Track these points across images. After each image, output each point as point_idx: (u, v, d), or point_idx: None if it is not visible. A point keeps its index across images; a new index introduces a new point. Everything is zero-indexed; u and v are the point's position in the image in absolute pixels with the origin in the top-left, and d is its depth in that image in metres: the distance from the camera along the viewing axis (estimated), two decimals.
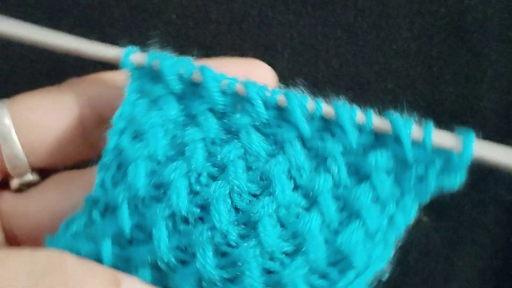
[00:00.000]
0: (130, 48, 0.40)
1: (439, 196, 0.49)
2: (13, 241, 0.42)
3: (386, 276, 0.36)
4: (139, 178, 0.37)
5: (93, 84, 0.43)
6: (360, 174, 0.37)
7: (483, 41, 0.53)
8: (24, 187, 0.43)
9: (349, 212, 0.36)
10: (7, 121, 0.41)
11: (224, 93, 0.39)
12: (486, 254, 0.54)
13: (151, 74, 0.40)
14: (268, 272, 0.36)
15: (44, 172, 0.44)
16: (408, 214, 0.36)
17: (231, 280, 0.36)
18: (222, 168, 0.38)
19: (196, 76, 0.39)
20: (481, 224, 0.53)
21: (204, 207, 0.37)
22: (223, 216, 0.36)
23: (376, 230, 0.36)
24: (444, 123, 0.52)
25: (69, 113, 0.42)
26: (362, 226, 0.36)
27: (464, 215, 0.53)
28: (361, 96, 0.52)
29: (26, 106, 0.41)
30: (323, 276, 0.36)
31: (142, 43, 0.52)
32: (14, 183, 0.43)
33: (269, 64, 0.42)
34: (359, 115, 0.37)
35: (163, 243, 0.36)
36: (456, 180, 0.36)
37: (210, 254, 0.36)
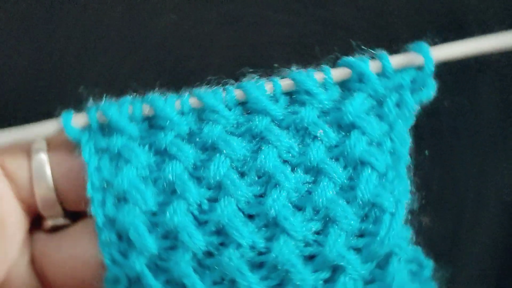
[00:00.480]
0: (65, 114, 0.38)
1: (439, 196, 0.49)
2: (46, 284, 0.41)
3: (416, 205, 0.37)
4: (145, 238, 0.36)
5: None
6: (345, 127, 0.37)
7: None
8: (56, 228, 0.42)
9: (353, 164, 0.36)
10: (44, 156, 0.39)
11: (182, 113, 0.37)
12: (486, 254, 0.54)
13: (101, 129, 0.38)
14: (310, 257, 0.36)
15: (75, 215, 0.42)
16: (405, 141, 0.37)
17: (281, 285, 0.35)
18: (218, 186, 0.37)
19: (147, 110, 0.37)
20: (481, 224, 0.53)
21: (220, 231, 0.36)
22: (242, 231, 0.35)
23: (385, 169, 0.36)
24: (444, 124, 0.52)
25: None
26: (372, 171, 0.36)
27: (464, 215, 0.53)
28: None
29: (62, 151, 0.39)
30: (362, 234, 0.36)
31: (142, 44, 0.52)
32: (48, 224, 0.41)
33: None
34: (317, 74, 0.37)
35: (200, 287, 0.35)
36: (429, 90, 0.37)
37: (248, 273, 0.35)
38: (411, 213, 0.37)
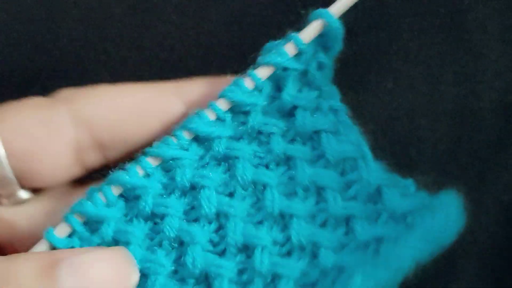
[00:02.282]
0: (47, 234, 0.38)
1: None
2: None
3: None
4: None
5: (91, 103, 0.41)
6: (287, 111, 0.40)
7: (483, 41, 0.53)
8: (15, 204, 0.42)
9: (310, 137, 0.40)
10: None
11: (148, 175, 0.39)
12: (486, 254, 0.54)
13: (86, 227, 0.39)
14: (323, 224, 0.39)
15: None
16: (334, 94, 0.41)
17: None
18: (217, 216, 0.39)
19: (116, 190, 0.39)
20: (481, 224, 0.53)
21: (243, 249, 0.38)
22: (262, 235, 0.38)
23: (334, 126, 0.40)
24: (444, 123, 0.52)
25: (63, 139, 0.40)
26: (327, 134, 0.40)
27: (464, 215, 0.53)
28: (361, 96, 0.52)
29: (17, 130, 0.39)
30: (349, 186, 0.39)
31: (143, 44, 0.52)
32: (3, 202, 0.41)
33: None
34: (247, 82, 0.40)
35: None
36: (339, 42, 0.40)
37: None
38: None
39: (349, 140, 0.40)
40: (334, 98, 0.41)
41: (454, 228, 0.37)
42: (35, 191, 0.42)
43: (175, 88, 0.41)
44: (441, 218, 0.36)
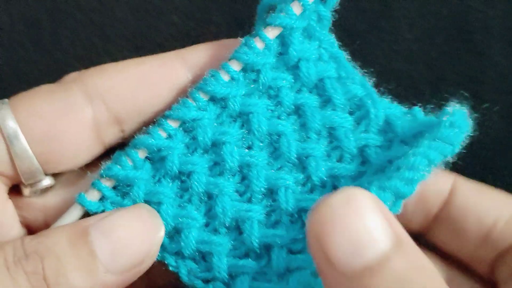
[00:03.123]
0: (79, 198, 0.40)
1: None
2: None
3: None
4: (220, 257, 0.40)
5: (102, 79, 0.41)
6: (292, 65, 0.42)
7: (485, 42, 0.53)
8: (38, 193, 0.42)
9: (315, 86, 0.42)
10: (12, 124, 0.39)
11: (170, 136, 0.41)
12: None
13: (115, 192, 0.40)
14: (338, 161, 0.41)
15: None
16: (333, 42, 0.42)
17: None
18: (241, 169, 0.41)
19: (142, 153, 0.41)
20: None
21: (269, 193, 0.41)
22: (286, 176, 0.41)
23: (337, 72, 0.42)
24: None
25: (81, 118, 0.40)
26: (331, 80, 0.42)
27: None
28: None
29: (33, 112, 0.40)
30: (358, 122, 0.41)
31: (145, 45, 0.52)
32: (26, 192, 0.41)
33: None
34: (257, 42, 0.41)
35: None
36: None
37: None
38: None
39: (352, 81, 0.41)
40: (333, 46, 0.42)
41: (461, 133, 0.38)
42: (56, 178, 0.42)
43: (177, 56, 0.42)
44: (446, 125, 0.38)
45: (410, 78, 0.53)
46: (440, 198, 0.42)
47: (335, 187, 0.40)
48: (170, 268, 0.40)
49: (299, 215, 0.40)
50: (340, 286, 0.31)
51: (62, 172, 0.42)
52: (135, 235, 0.37)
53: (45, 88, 0.41)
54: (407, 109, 0.41)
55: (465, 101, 0.40)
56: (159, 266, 0.40)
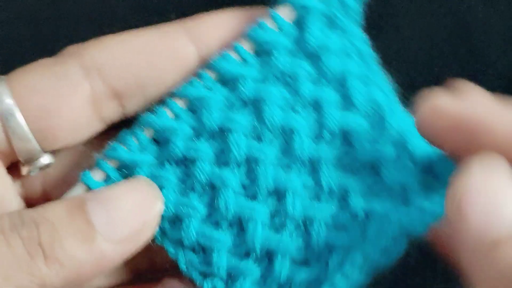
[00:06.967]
0: (83, 176, 0.39)
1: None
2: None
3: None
4: (220, 249, 0.39)
5: (100, 51, 0.40)
6: (313, 54, 0.39)
7: (484, 41, 0.53)
8: (37, 172, 0.41)
9: (337, 83, 0.39)
10: (8, 100, 0.38)
11: (177, 116, 0.39)
12: None
13: (119, 173, 0.39)
14: (349, 170, 0.38)
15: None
16: (361, 39, 0.40)
17: None
18: (247, 160, 0.39)
19: (148, 133, 0.39)
20: None
21: (274, 192, 0.39)
22: (293, 177, 0.38)
23: (361, 71, 0.39)
24: None
25: (79, 92, 0.40)
26: (354, 78, 0.39)
27: None
28: None
29: (30, 87, 0.39)
30: (374, 132, 0.39)
31: None
32: (24, 170, 0.41)
33: None
34: (269, 22, 0.39)
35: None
36: None
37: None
38: None
39: (376, 85, 0.39)
40: (360, 41, 0.40)
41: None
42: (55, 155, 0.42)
43: (181, 26, 0.41)
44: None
45: (409, 77, 0.53)
46: None
47: (343, 199, 0.38)
48: (169, 255, 0.40)
49: (304, 224, 0.38)
50: (479, 256, 0.31)
51: (61, 149, 0.41)
52: (133, 204, 0.37)
53: (42, 62, 0.40)
54: (407, 110, 0.40)
55: None
56: (162, 249, 0.40)
